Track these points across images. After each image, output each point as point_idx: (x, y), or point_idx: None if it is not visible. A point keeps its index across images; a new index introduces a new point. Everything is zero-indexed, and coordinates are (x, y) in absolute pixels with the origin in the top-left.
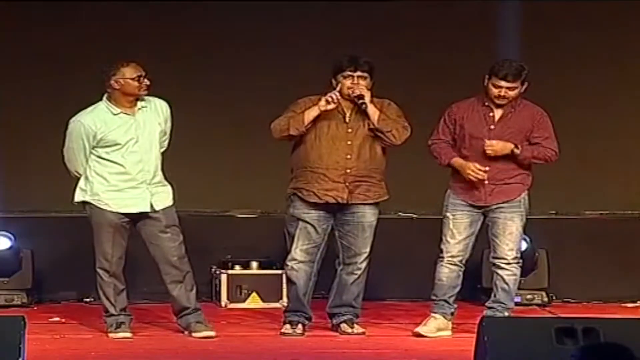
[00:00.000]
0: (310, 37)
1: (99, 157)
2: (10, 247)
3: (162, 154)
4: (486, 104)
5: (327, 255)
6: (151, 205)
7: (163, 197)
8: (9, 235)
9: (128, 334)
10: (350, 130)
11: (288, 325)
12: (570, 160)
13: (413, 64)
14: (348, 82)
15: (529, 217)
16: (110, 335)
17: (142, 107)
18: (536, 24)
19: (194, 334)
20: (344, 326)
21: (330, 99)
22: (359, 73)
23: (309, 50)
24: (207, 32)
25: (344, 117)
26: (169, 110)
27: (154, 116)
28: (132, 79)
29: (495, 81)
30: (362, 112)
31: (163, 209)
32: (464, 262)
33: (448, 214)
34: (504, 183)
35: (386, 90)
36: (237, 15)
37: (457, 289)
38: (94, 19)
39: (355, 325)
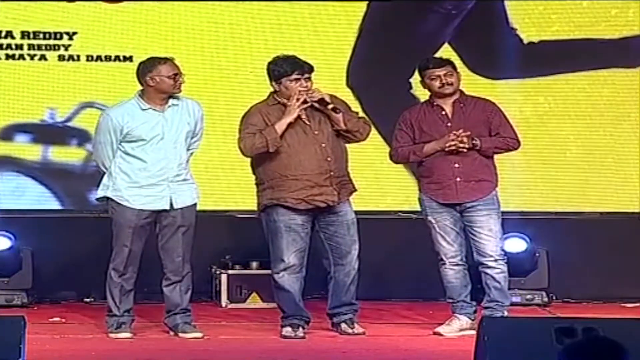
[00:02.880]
0: None
1: (125, 152)
2: (10, 247)
3: (191, 155)
4: (435, 104)
5: (317, 256)
6: (171, 204)
7: (185, 196)
8: (9, 235)
9: (128, 334)
10: (317, 132)
11: (289, 328)
12: (570, 160)
13: None
14: (297, 85)
15: (529, 217)
16: (111, 335)
17: (173, 105)
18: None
19: (180, 335)
20: (344, 326)
21: (300, 97)
22: (306, 75)
23: None
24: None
25: (303, 121)
26: (200, 112)
27: (184, 116)
28: (168, 76)
29: (430, 74)
30: (317, 112)
31: (182, 208)
32: (464, 260)
33: (430, 218)
34: (475, 180)
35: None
36: None
37: (469, 287)
38: None
39: (355, 325)
